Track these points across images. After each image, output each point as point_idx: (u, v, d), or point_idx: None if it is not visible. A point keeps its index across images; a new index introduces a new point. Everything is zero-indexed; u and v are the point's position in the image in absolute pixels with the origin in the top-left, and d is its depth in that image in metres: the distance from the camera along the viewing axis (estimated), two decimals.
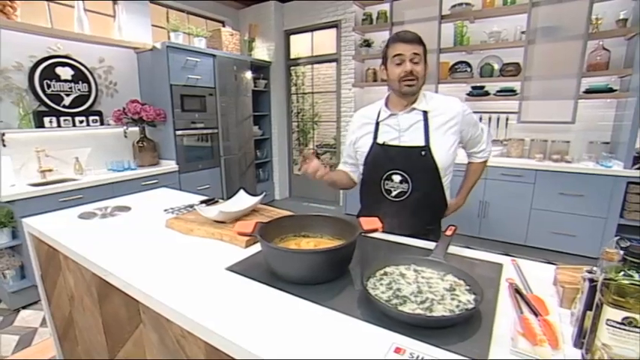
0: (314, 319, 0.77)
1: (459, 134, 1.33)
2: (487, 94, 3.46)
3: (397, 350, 0.66)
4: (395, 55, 1.24)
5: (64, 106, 2.98)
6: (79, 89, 3.08)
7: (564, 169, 2.92)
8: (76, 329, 1.46)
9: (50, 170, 2.90)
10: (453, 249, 1.09)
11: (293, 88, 5.14)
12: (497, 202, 3.23)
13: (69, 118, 2.97)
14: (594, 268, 0.68)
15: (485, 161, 1.51)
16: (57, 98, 2.93)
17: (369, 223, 1.02)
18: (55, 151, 2.96)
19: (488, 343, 0.68)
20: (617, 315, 0.56)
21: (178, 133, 3.51)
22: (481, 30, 3.43)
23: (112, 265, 1.06)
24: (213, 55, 3.81)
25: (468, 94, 3.53)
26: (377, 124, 1.37)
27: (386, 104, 1.38)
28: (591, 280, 0.64)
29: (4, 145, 2.64)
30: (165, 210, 1.62)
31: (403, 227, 1.28)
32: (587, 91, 2.96)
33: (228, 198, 1.61)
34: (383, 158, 1.33)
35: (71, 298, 1.40)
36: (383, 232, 1.14)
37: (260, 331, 0.73)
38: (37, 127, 2.79)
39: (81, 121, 3.06)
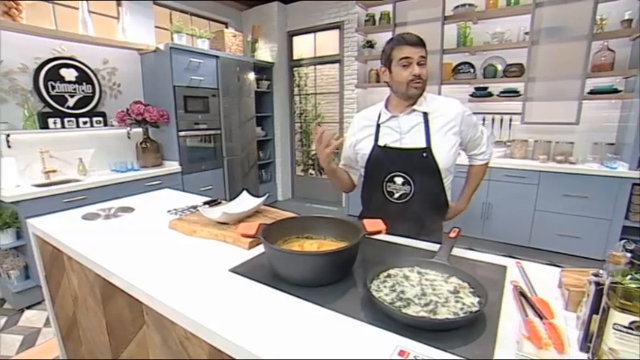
0: (317, 322, 0.77)
1: (459, 135, 1.33)
2: (490, 95, 3.45)
3: (401, 353, 0.66)
4: (402, 58, 1.23)
5: (68, 108, 2.99)
6: (83, 90, 3.09)
7: (568, 170, 2.91)
8: (80, 330, 1.46)
9: (54, 171, 2.91)
10: (456, 251, 1.09)
11: (296, 89, 5.14)
12: (501, 203, 3.21)
13: (73, 119, 2.99)
14: (600, 271, 0.67)
15: (487, 164, 1.50)
16: (61, 99, 2.95)
17: (372, 224, 1.01)
18: (59, 152, 2.98)
19: (493, 347, 0.67)
20: (625, 319, 0.55)
21: (181, 134, 3.52)
22: (484, 31, 3.42)
23: (115, 266, 1.06)
24: (216, 57, 3.83)
25: (471, 95, 3.51)
26: (378, 126, 1.37)
27: (386, 106, 1.38)
28: (597, 284, 0.63)
29: (9, 147, 2.65)
30: (169, 211, 1.63)
31: (406, 229, 1.28)
32: (592, 92, 2.94)
33: (231, 199, 1.61)
34: (385, 160, 1.33)
35: (75, 298, 1.40)
36: (386, 233, 1.13)
37: (263, 333, 0.73)
38: (41, 128, 2.81)
39: (85, 122, 3.07)
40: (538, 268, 1.02)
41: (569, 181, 2.89)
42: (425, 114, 1.30)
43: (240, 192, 1.62)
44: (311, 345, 0.69)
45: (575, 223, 2.91)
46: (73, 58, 3.03)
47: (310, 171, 5.37)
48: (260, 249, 1.15)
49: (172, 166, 3.47)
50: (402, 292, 0.82)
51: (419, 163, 1.28)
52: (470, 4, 3.36)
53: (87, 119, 3.09)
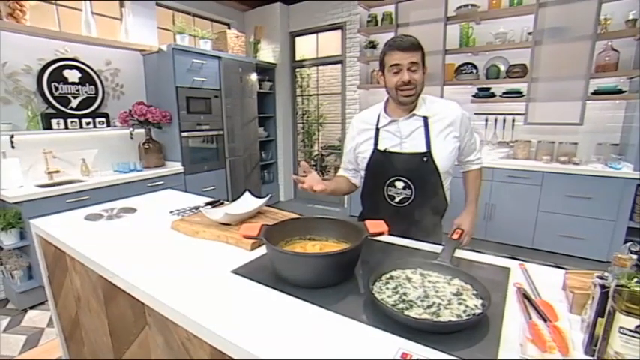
0: (320, 323, 0.77)
1: (459, 138, 1.32)
2: (493, 95, 3.43)
3: (404, 355, 0.65)
4: (392, 65, 1.22)
5: (71, 108, 3.01)
6: (86, 91, 3.11)
7: (572, 171, 2.89)
8: (83, 330, 1.47)
9: (57, 172, 2.93)
10: (459, 252, 1.08)
11: (298, 90, 5.14)
12: (504, 204, 3.20)
13: (76, 120, 3.00)
14: (605, 274, 0.66)
15: (481, 169, 1.49)
16: (64, 100, 2.97)
17: (375, 226, 1.01)
18: (62, 152, 3.00)
19: (497, 349, 0.67)
20: (630, 323, 0.54)
21: (184, 134, 3.53)
22: (487, 31, 3.41)
23: (117, 266, 1.06)
24: (219, 57, 3.83)
25: (474, 96, 3.50)
26: (377, 130, 1.36)
27: (385, 109, 1.36)
28: (602, 286, 0.62)
29: (13, 147, 2.67)
30: (171, 212, 1.63)
31: (407, 231, 1.29)
32: (596, 92, 2.92)
33: (234, 200, 1.61)
34: (385, 165, 1.32)
35: (77, 299, 1.40)
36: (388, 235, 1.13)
37: (265, 334, 0.73)
38: (44, 129, 2.83)
39: (88, 123, 3.09)
40: (542, 269, 1.01)
41: (573, 182, 2.87)
42: (425, 118, 1.29)
43: (243, 193, 1.62)
44: (313, 347, 0.69)
45: (579, 224, 2.89)
46: (77, 60, 3.05)
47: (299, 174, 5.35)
48: (262, 250, 1.14)
49: (175, 166, 3.48)
50: (405, 293, 0.82)
51: (419, 167, 1.28)
52: (472, 5, 3.35)
53: (90, 120, 3.10)
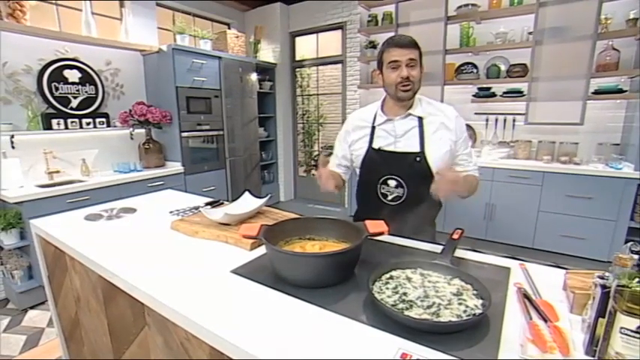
0: (319, 323, 0.77)
1: (453, 140, 1.32)
2: (494, 95, 3.43)
3: (403, 356, 0.65)
4: (391, 61, 1.24)
5: (71, 109, 3.01)
6: (86, 91, 3.11)
7: (573, 171, 2.88)
8: (82, 330, 1.47)
9: (57, 172, 2.93)
10: (459, 252, 1.08)
11: (298, 90, 5.14)
12: (504, 204, 3.19)
13: (76, 120, 3.00)
14: (606, 274, 0.66)
15: (477, 180, 1.39)
16: (64, 100, 2.97)
17: (374, 226, 1.01)
18: (62, 152, 3.00)
19: (497, 350, 0.66)
20: (632, 323, 0.54)
21: (184, 134, 3.53)
22: (487, 31, 3.40)
23: (117, 267, 1.06)
24: (219, 57, 3.83)
25: (475, 96, 3.50)
26: (373, 128, 1.37)
27: (382, 108, 1.38)
28: (603, 287, 0.62)
29: (13, 147, 2.67)
30: (171, 212, 1.63)
31: (399, 230, 1.28)
32: (596, 92, 2.92)
33: (234, 200, 1.61)
34: (379, 163, 1.34)
35: (77, 299, 1.40)
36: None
37: (265, 334, 0.73)
38: (45, 129, 2.83)
39: (88, 123, 3.08)
40: (542, 270, 1.01)
41: (574, 181, 2.86)
42: (420, 118, 1.31)
43: (243, 193, 1.62)
44: (313, 347, 0.69)
45: (580, 224, 2.89)
46: (77, 60, 3.05)
47: (313, 172, 5.36)
48: (262, 250, 1.14)
49: (175, 166, 3.48)
50: (405, 294, 0.81)
51: (412, 167, 1.29)
52: (473, 4, 3.34)
53: (90, 120, 3.10)
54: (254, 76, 4.39)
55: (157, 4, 3.79)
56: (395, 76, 1.24)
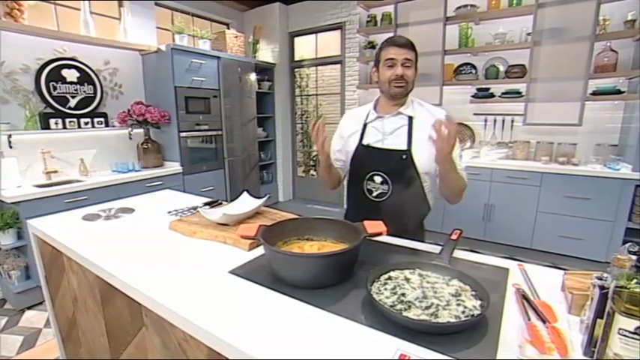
0: (317, 324, 0.76)
1: None
2: (492, 96, 3.43)
3: (402, 357, 0.65)
4: (388, 59, 1.28)
5: (69, 108, 3.00)
6: (84, 91, 3.10)
7: (571, 171, 2.89)
8: (80, 331, 1.46)
9: (55, 171, 2.92)
10: (458, 253, 1.08)
11: (297, 90, 5.14)
12: (503, 204, 3.20)
13: (74, 119, 2.99)
14: (605, 275, 0.66)
15: (465, 183, 1.33)
16: (63, 100, 2.96)
17: (373, 226, 1.01)
18: (60, 152, 2.99)
19: (495, 351, 0.66)
20: (630, 324, 0.54)
21: (182, 134, 3.52)
22: (486, 31, 3.41)
23: (115, 267, 1.05)
24: (218, 57, 3.83)
25: (473, 96, 3.50)
26: (364, 125, 1.41)
27: (375, 107, 1.42)
28: (602, 287, 0.62)
29: (11, 147, 2.66)
30: (169, 212, 1.62)
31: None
32: (595, 93, 2.93)
33: (232, 200, 1.61)
34: (366, 159, 1.37)
35: (75, 299, 1.40)
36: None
37: (263, 335, 0.73)
38: (42, 128, 2.82)
39: (86, 123, 3.07)
40: (541, 270, 1.01)
41: (572, 182, 2.87)
42: (410, 118, 1.34)
43: (241, 193, 1.62)
44: (311, 348, 0.69)
45: (578, 224, 2.89)
46: (75, 59, 3.04)
47: (311, 172, 5.36)
48: (260, 250, 1.14)
49: (173, 166, 3.47)
50: (403, 294, 0.81)
51: (398, 164, 1.31)
52: (472, 5, 3.35)
53: (88, 120, 3.09)
54: (253, 76, 4.38)
55: (156, 4, 3.78)
56: (390, 73, 1.28)
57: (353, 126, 1.44)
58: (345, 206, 1.58)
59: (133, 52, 3.49)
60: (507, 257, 1.09)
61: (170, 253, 1.18)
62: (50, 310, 1.65)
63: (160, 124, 3.40)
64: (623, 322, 0.55)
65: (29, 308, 2.49)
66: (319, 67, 4.91)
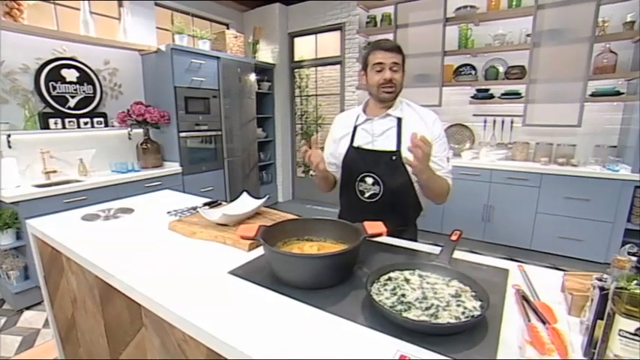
0: (317, 325, 0.76)
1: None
2: (492, 97, 3.44)
3: (402, 357, 0.65)
4: (375, 63, 1.30)
5: (69, 108, 2.99)
6: (84, 91, 3.09)
7: (570, 172, 2.89)
8: (79, 331, 1.46)
9: (55, 171, 2.91)
10: (457, 254, 1.08)
11: (297, 91, 5.14)
12: (502, 205, 3.20)
13: (74, 119, 2.99)
14: (605, 276, 0.66)
15: (450, 187, 1.35)
16: (62, 100, 2.95)
17: (373, 227, 1.00)
18: (59, 152, 2.98)
19: (495, 351, 0.66)
20: (630, 325, 0.54)
21: (182, 134, 3.52)
22: (486, 33, 3.41)
23: (114, 267, 1.05)
24: (218, 58, 3.83)
25: (473, 97, 3.50)
26: (355, 128, 1.43)
27: (364, 109, 1.44)
28: (602, 289, 0.62)
29: (10, 147, 2.65)
30: (169, 212, 1.62)
31: None
32: (594, 95, 2.93)
33: (232, 200, 1.61)
34: (357, 161, 1.39)
35: (74, 300, 1.39)
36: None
37: (262, 336, 0.73)
38: (42, 128, 2.81)
39: (85, 123, 3.07)
40: (540, 271, 1.01)
41: (571, 183, 2.87)
42: (399, 119, 1.36)
43: (241, 193, 1.62)
44: (311, 349, 0.69)
45: (577, 225, 2.89)
46: (74, 59, 3.03)
47: (311, 172, 5.36)
48: (260, 251, 1.14)
49: (173, 167, 3.47)
50: (403, 295, 0.81)
51: (388, 165, 1.33)
52: (471, 6, 3.35)
53: (88, 120, 3.08)
54: (253, 77, 4.38)
55: (156, 4, 3.78)
56: (379, 77, 1.30)
57: (344, 129, 1.47)
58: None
59: (133, 52, 3.48)
60: (507, 258, 1.09)
61: (169, 253, 1.17)
62: (49, 310, 1.64)
63: (160, 124, 3.40)
64: (623, 324, 0.55)
65: (28, 308, 2.48)
66: (319, 68, 4.91)
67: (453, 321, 0.72)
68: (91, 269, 1.14)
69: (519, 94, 3.25)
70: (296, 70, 5.05)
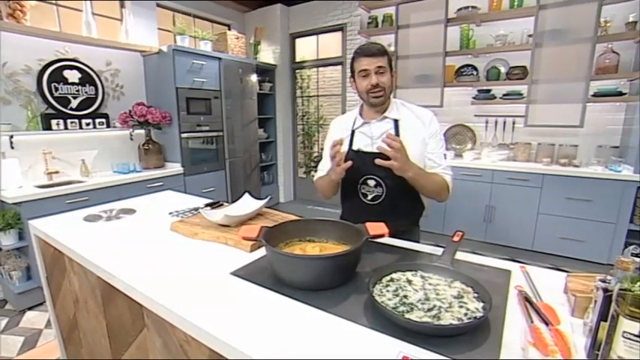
0: (319, 326, 0.76)
1: (427, 139, 1.35)
2: (493, 97, 3.43)
3: (404, 359, 0.65)
4: (360, 70, 1.30)
5: (71, 109, 3.00)
6: (86, 92, 3.10)
7: (572, 173, 2.88)
8: (81, 332, 1.46)
9: (57, 172, 2.92)
10: (459, 255, 1.08)
11: (298, 91, 5.14)
12: (504, 206, 3.19)
13: (76, 120, 3.00)
14: (608, 277, 0.66)
15: (447, 183, 1.34)
16: (64, 101, 2.96)
17: (375, 228, 1.00)
18: (61, 153, 2.99)
19: (498, 353, 0.66)
20: (634, 327, 0.54)
21: (184, 135, 3.52)
22: (487, 33, 3.41)
23: (116, 268, 1.05)
24: (219, 58, 3.83)
25: (474, 98, 3.50)
26: (353, 132, 1.43)
27: (360, 113, 1.44)
28: (605, 290, 0.62)
29: (13, 147, 2.66)
30: (170, 213, 1.62)
31: None
32: (596, 95, 2.93)
33: (233, 201, 1.61)
34: (358, 164, 1.37)
35: (76, 300, 1.40)
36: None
37: (264, 337, 0.72)
38: (44, 129, 2.82)
39: (87, 124, 3.08)
40: (543, 272, 1.01)
41: (573, 184, 2.87)
42: (395, 121, 1.36)
43: (243, 194, 1.62)
44: (313, 350, 0.68)
45: (579, 226, 2.89)
46: (77, 60, 3.04)
47: (312, 173, 5.36)
48: (262, 252, 1.14)
49: (174, 167, 3.48)
50: (405, 296, 0.81)
51: (388, 167, 1.28)
52: (473, 7, 3.35)
53: (90, 121, 3.09)
54: (254, 78, 4.39)
55: (157, 5, 3.79)
56: (366, 83, 1.30)
57: (341, 132, 1.46)
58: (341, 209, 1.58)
59: (135, 53, 3.49)
60: (508, 259, 1.08)
61: (171, 254, 1.18)
62: (51, 310, 1.65)
63: (161, 125, 3.41)
64: (627, 325, 0.55)
65: (30, 309, 2.49)
66: (320, 69, 4.91)
67: (455, 322, 0.72)
68: (93, 270, 1.14)
69: (521, 94, 3.25)
70: (297, 70, 5.05)
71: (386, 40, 3.97)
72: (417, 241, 1.34)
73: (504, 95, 3.34)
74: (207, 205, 1.69)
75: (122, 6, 3.47)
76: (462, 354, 0.66)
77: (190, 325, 0.79)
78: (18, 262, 2.53)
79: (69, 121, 2.95)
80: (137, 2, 3.50)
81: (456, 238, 1.07)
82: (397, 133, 1.34)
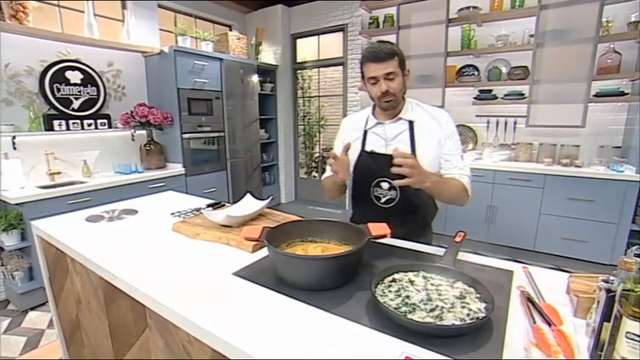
0: (321, 326, 0.76)
1: (441, 143, 1.31)
2: (495, 97, 3.43)
3: (407, 359, 0.65)
4: (369, 77, 1.26)
5: (73, 110, 3.01)
6: (87, 93, 3.11)
7: (574, 173, 2.88)
8: (83, 332, 1.46)
9: (59, 173, 2.93)
10: (462, 255, 1.08)
11: (299, 92, 5.15)
12: (506, 206, 3.19)
13: (78, 121, 3.01)
14: (611, 278, 0.65)
15: (464, 185, 1.31)
16: (66, 102, 2.97)
17: (377, 228, 1.00)
18: (63, 153, 3.00)
19: (500, 353, 0.66)
20: (638, 328, 0.54)
21: (185, 136, 3.53)
22: (489, 33, 3.41)
23: (118, 268, 1.06)
24: (220, 59, 3.84)
25: (476, 98, 3.50)
26: (365, 132, 1.39)
27: (373, 113, 1.40)
28: (608, 290, 0.61)
29: (15, 148, 2.67)
30: (172, 213, 1.62)
31: (393, 232, 1.26)
32: (598, 95, 2.92)
33: (235, 202, 1.61)
34: (371, 166, 1.34)
35: (78, 300, 1.40)
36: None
37: (266, 337, 0.73)
38: (46, 130, 2.83)
39: (89, 125, 3.09)
40: (545, 273, 1.01)
41: (575, 184, 2.86)
42: (410, 122, 1.32)
43: (244, 195, 1.62)
44: (315, 350, 0.69)
45: (581, 227, 2.88)
46: (79, 61, 3.05)
47: (314, 173, 5.37)
48: (264, 252, 1.14)
49: (176, 168, 3.48)
50: (408, 297, 0.81)
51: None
52: (474, 7, 3.35)
53: (91, 121, 3.10)
54: (255, 78, 4.39)
55: (159, 6, 3.80)
56: (376, 90, 1.26)
57: (353, 132, 1.41)
58: (347, 208, 1.57)
59: (136, 54, 3.50)
60: (510, 259, 1.08)
61: (173, 254, 1.18)
62: (54, 311, 1.65)
63: (163, 125, 3.42)
64: (630, 326, 0.55)
65: (32, 309, 2.50)
66: (321, 69, 4.91)
67: (457, 323, 0.72)
68: (95, 270, 1.14)
69: (522, 94, 3.24)
70: (298, 71, 5.06)
71: (387, 40, 3.97)
72: (429, 244, 1.30)
73: (506, 95, 3.34)
74: (209, 205, 1.69)
75: (124, 7, 3.48)
76: (465, 354, 0.66)
77: (193, 326, 0.79)
78: (20, 263, 2.54)
79: (71, 121, 2.96)
80: (139, 3, 3.51)
81: (458, 239, 1.07)
82: (412, 135, 1.30)
